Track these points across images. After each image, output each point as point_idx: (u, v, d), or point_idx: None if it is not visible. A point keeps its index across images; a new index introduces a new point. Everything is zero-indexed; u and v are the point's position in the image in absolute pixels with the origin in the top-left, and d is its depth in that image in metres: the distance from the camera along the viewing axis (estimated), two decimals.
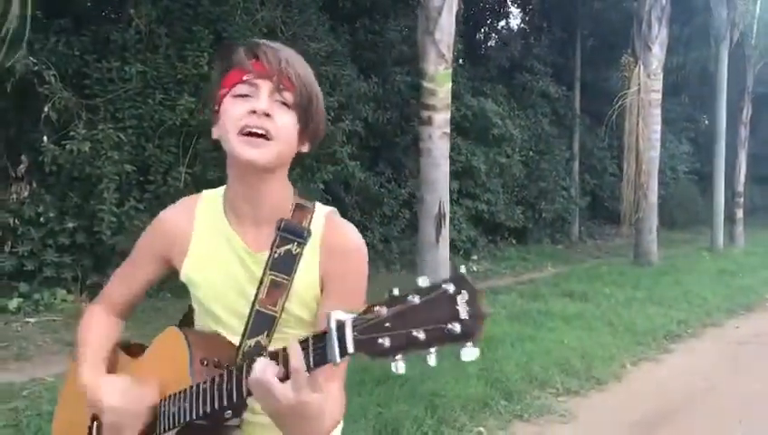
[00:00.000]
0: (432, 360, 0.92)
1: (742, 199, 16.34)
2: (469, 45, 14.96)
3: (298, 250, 1.26)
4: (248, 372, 1.07)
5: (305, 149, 1.32)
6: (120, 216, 7.35)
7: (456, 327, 0.90)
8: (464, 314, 0.90)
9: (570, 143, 16.96)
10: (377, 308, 0.95)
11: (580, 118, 17.34)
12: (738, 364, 6.34)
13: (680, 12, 13.82)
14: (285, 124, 1.24)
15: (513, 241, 14.50)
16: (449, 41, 7.29)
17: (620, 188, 17.39)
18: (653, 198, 12.36)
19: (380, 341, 0.94)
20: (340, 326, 0.97)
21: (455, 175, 10.56)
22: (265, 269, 1.27)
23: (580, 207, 16.91)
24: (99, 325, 1.42)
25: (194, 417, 1.17)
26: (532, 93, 15.19)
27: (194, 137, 8.01)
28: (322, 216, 1.32)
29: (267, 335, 1.26)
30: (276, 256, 1.26)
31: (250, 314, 1.27)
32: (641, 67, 11.79)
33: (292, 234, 1.27)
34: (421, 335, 0.91)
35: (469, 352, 0.91)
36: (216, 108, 1.28)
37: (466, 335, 0.90)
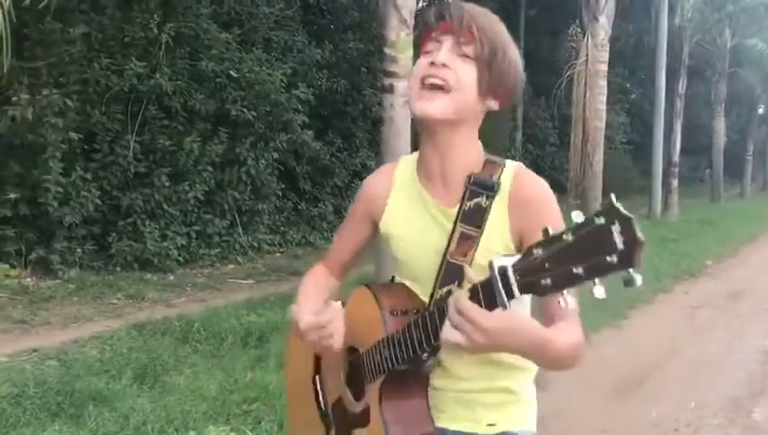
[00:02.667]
0: (598, 292, 0.93)
1: (677, 169, 16.82)
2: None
3: (487, 203, 1.30)
4: (440, 317, 1.14)
5: (494, 105, 1.34)
6: (67, 186, 6.96)
7: (614, 258, 0.90)
8: (620, 244, 0.90)
9: (513, 114, 17.10)
10: (535, 250, 0.98)
11: (524, 88, 17.42)
12: (694, 328, 6.55)
13: None
14: (464, 75, 1.27)
15: None
16: (412, 6, 7.11)
17: (561, 158, 17.74)
18: (598, 167, 12.59)
19: (543, 281, 0.97)
20: (503, 272, 1.01)
21: None
22: (456, 222, 1.31)
23: None
24: (315, 280, 1.56)
25: (397, 362, 1.27)
26: None
27: (142, 103, 7.63)
28: (512, 170, 1.33)
29: (458, 285, 1.27)
30: (466, 208, 1.31)
31: (441, 264, 1.31)
32: (589, 38, 11.89)
33: (481, 187, 1.31)
34: (580, 271, 0.93)
35: (634, 279, 0.91)
36: None
37: (625, 264, 0.90)
